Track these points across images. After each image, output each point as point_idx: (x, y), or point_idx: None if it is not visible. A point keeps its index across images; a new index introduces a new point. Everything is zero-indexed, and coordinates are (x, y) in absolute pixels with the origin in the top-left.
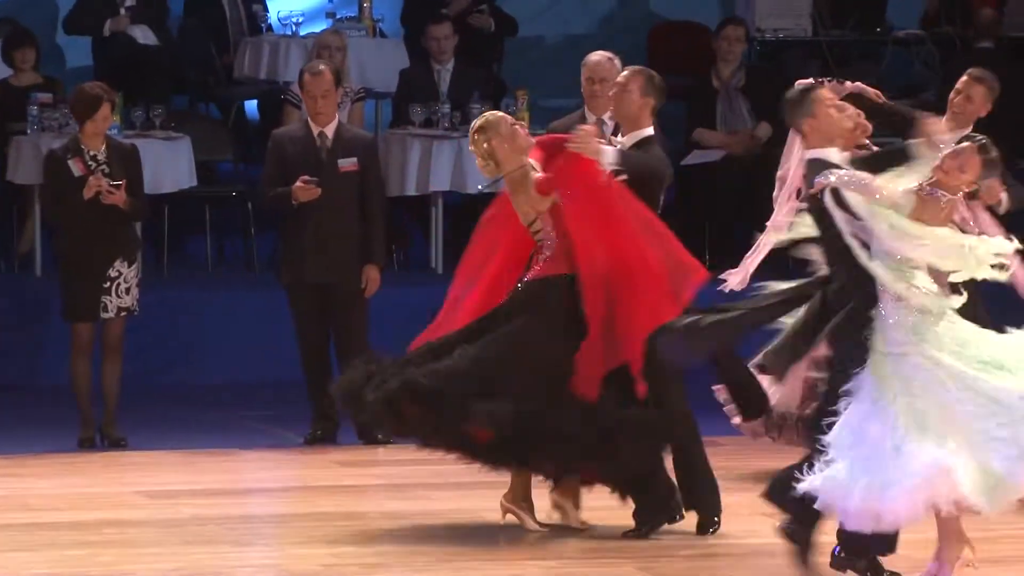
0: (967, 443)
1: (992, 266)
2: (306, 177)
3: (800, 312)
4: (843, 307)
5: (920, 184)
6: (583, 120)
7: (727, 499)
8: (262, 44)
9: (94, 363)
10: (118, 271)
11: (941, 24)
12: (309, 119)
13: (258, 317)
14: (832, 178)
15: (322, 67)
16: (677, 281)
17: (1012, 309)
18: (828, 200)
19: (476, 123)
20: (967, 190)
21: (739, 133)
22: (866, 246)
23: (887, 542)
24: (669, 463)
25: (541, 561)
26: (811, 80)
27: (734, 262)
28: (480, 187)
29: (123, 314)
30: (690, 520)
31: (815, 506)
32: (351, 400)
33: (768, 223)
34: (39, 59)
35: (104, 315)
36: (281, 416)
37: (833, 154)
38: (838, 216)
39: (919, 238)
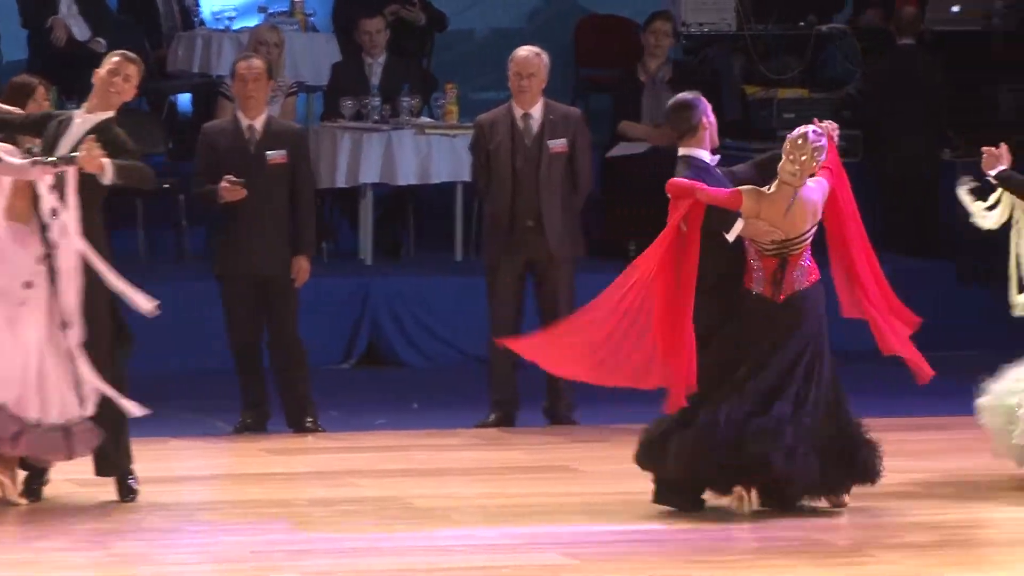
0: None
1: None
2: (231, 178)
3: None
4: None
5: None
6: (510, 113)
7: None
8: (195, 39)
9: None
10: None
11: (865, 19)
12: (239, 112)
13: (189, 308)
14: None
15: (253, 56)
16: None
17: None
18: None
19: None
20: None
21: (664, 126)
22: None
23: None
24: None
25: (469, 554)
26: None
27: None
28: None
29: None
30: (615, 507)
31: None
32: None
33: None
34: None
35: None
36: (212, 405)
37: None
38: None
39: None
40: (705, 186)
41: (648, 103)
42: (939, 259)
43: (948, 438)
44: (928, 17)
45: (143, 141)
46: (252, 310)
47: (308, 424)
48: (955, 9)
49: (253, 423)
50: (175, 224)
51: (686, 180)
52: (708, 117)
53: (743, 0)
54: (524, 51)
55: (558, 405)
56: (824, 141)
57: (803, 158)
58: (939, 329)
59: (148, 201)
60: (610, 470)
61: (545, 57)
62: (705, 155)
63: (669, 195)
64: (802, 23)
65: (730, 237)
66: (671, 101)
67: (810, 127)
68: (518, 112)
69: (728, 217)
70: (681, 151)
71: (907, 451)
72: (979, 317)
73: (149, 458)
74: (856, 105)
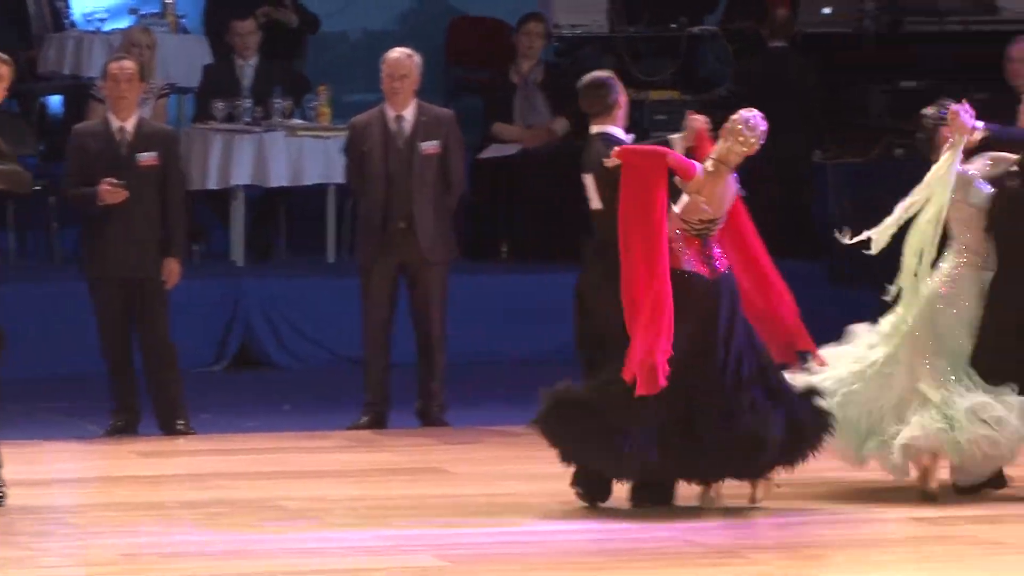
0: None
1: None
2: (112, 180)
3: None
4: None
5: None
6: (383, 115)
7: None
8: (66, 40)
9: None
10: None
11: (736, 20)
12: (110, 114)
13: (60, 310)
14: None
15: (125, 57)
16: None
17: None
18: None
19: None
20: None
21: (536, 128)
22: None
23: None
24: None
25: (341, 557)
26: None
27: (530, 257)
28: None
29: None
30: (487, 509)
31: None
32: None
33: None
34: None
35: None
36: (82, 408)
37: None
38: None
39: None
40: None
41: (520, 105)
42: (812, 260)
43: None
44: (800, 19)
45: (14, 143)
46: (123, 312)
47: (179, 427)
48: (826, 11)
49: (124, 426)
50: (46, 226)
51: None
52: (623, 96)
53: (615, 2)
54: (396, 53)
55: (430, 407)
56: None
57: (752, 140)
58: (811, 330)
59: (18, 203)
60: (482, 472)
61: (417, 59)
62: (620, 133)
63: (627, 161)
64: (674, 25)
65: (677, 209)
66: (585, 80)
67: (753, 112)
68: (391, 114)
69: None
70: (595, 129)
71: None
72: (851, 318)
73: (19, 461)
74: (728, 107)
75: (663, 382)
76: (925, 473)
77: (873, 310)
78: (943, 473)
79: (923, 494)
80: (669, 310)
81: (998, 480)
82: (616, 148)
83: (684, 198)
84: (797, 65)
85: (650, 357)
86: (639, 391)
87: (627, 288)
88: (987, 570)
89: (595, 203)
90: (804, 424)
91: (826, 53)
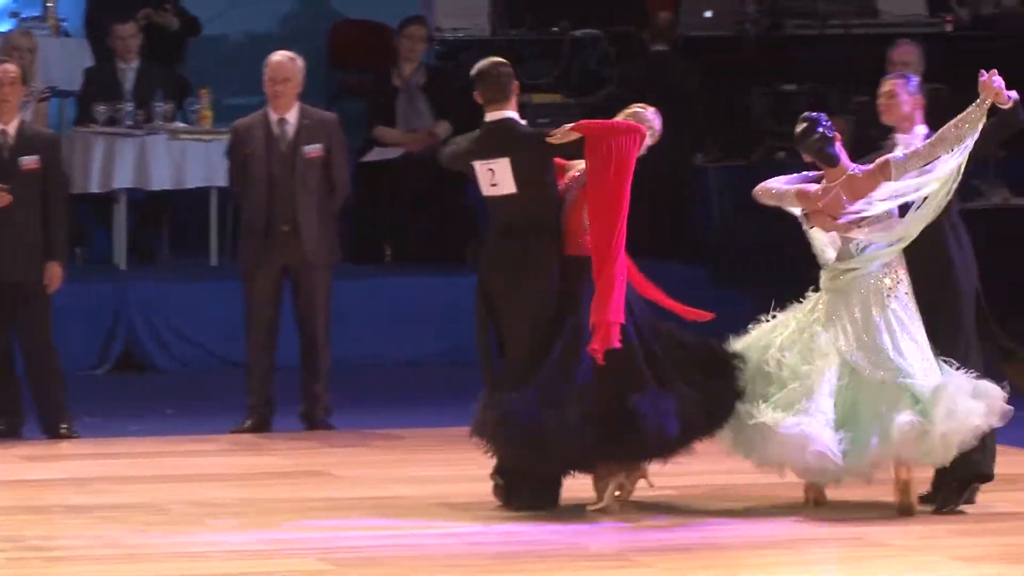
0: None
1: None
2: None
3: None
4: None
5: None
6: (266, 119)
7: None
8: None
9: None
10: None
11: (621, 24)
12: None
13: None
14: None
15: (7, 61)
16: None
17: None
18: None
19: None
20: None
21: (418, 131)
22: None
23: None
24: None
25: (225, 560)
26: None
27: (414, 260)
28: None
29: None
30: (371, 512)
31: None
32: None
33: None
34: None
35: None
36: None
37: None
38: None
39: None
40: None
41: (403, 108)
42: (694, 263)
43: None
44: (682, 22)
45: None
46: (4, 316)
47: (63, 430)
48: (708, 14)
49: (7, 429)
50: None
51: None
52: (516, 81)
53: (497, 5)
54: (279, 56)
55: (315, 410)
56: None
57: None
58: (696, 333)
59: None
60: (366, 474)
61: (300, 62)
62: (517, 118)
63: (599, 134)
64: (555, 28)
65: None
66: (483, 67)
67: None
68: (274, 117)
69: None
70: (496, 115)
71: None
72: (734, 320)
73: None
74: (610, 110)
75: (617, 343)
76: (905, 487)
77: (755, 312)
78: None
79: (901, 507)
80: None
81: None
82: (576, 123)
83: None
84: (679, 68)
85: (617, 317)
86: (598, 348)
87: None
88: (868, 571)
89: (506, 188)
90: (694, 415)
91: (708, 56)
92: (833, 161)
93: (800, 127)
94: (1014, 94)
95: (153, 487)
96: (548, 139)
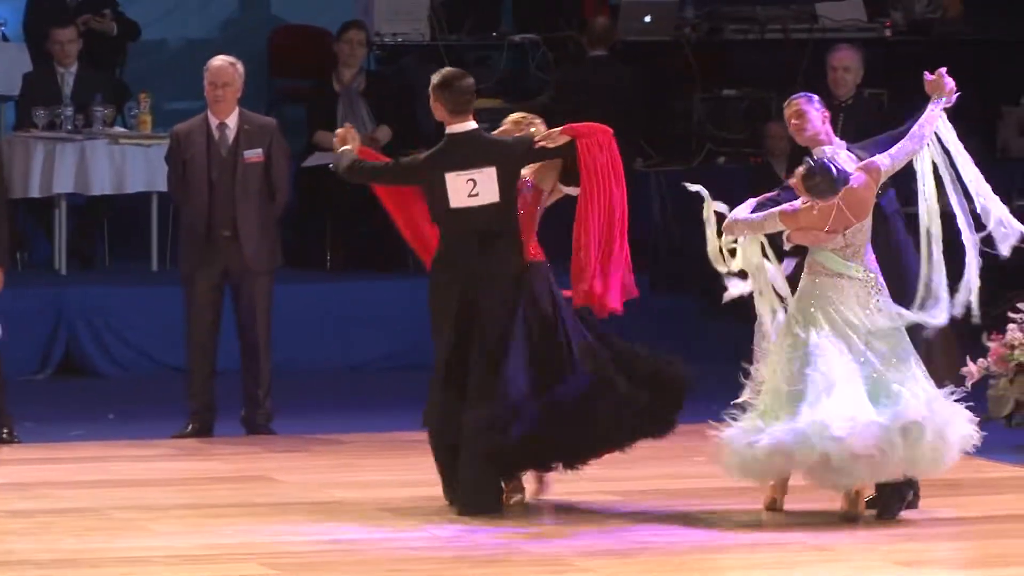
0: None
1: None
2: None
3: None
4: None
5: None
6: (206, 123)
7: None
8: None
9: None
10: None
11: (559, 29)
12: None
13: None
14: None
15: None
16: None
17: None
18: None
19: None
20: None
21: (359, 136)
22: None
23: None
24: None
25: (168, 566)
26: None
27: (355, 265)
28: None
29: None
30: (314, 516)
31: None
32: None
33: None
34: None
35: None
36: None
37: None
38: None
39: None
40: None
41: (343, 113)
42: (634, 268)
43: (650, 446)
44: (621, 27)
45: None
46: None
47: (3, 435)
48: (647, 19)
49: None
50: None
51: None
52: None
53: (436, 10)
54: (219, 61)
55: (256, 415)
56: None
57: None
58: (632, 337)
59: None
60: (308, 479)
61: (240, 67)
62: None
63: (593, 136)
64: (495, 33)
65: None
66: (448, 76)
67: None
68: (214, 122)
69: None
70: (464, 127)
71: (607, 460)
72: (672, 324)
73: None
74: (550, 115)
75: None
76: (857, 496)
77: (694, 316)
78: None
79: (847, 515)
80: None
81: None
82: (564, 127)
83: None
84: (616, 73)
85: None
86: (617, 305)
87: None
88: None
89: (489, 197)
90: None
91: (647, 61)
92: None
93: (812, 182)
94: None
95: (95, 492)
96: (542, 143)
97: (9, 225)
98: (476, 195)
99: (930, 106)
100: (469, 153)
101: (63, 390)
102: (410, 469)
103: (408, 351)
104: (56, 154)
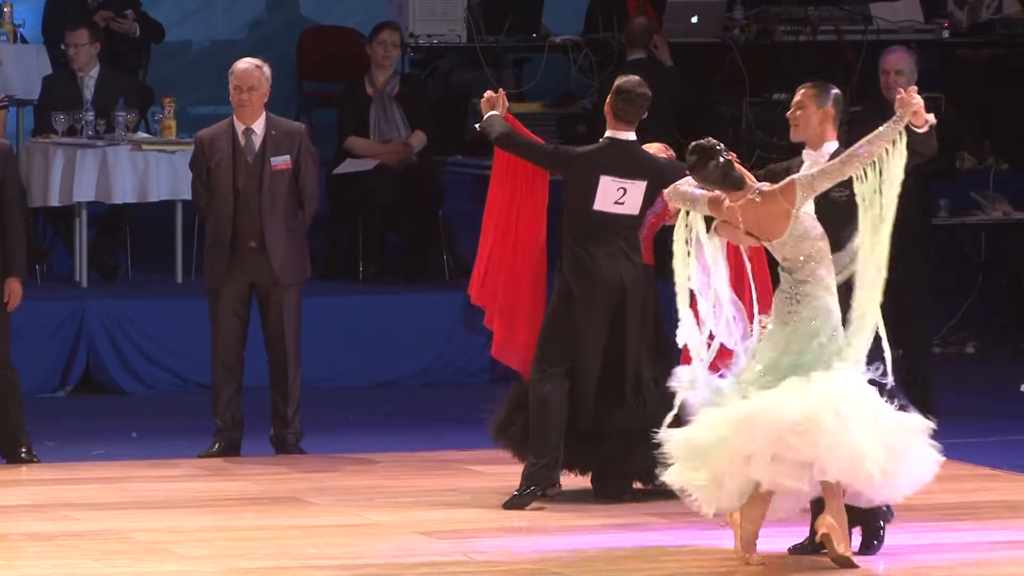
0: None
1: None
2: None
3: None
4: None
5: None
6: (231, 129)
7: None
8: None
9: None
10: None
11: (599, 31)
12: None
13: None
14: None
15: None
16: None
17: None
18: None
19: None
20: None
21: (392, 142)
22: None
23: None
24: None
25: None
26: None
27: (389, 277)
28: None
29: None
30: (344, 539)
31: None
32: None
33: None
34: None
35: None
36: None
37: None
38: None
39: None
40: None
41: (376, 118)
42: None
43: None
44: (666, 27)
45: None
46: None
47: (22, 455)
48: (693, 20)
49: None
50: None
51: None
52: None
53: (473, 10)
54: (244, 63)
55: (284, 434)
56: None
57: None
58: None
59: None
60: (339, 501)
61: (267, 70)
62: None
63: None
64: (534, 35)
65: None
66: (625, 85)
67: None
68: (239, 127)
69: None
70: (623, 135)
71: None
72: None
73: None
74: (592, 119)
75: None
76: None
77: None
78: None
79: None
80: None
81: None
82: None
83: None
84: (659, 77)
85: None
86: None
87: None
88: None
89: (631, 209)
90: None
91: (693, 63)
92: (741, 183)
93: (694, 158)
94: (931, 118)
95: (117, 514)
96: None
97: (28, 235)
98: (622, 204)
99: (887, 123)
100: (627, 162)
101: (84, 408)
102: (446, 491)
103: (444, 367)
104: (77, 161)
